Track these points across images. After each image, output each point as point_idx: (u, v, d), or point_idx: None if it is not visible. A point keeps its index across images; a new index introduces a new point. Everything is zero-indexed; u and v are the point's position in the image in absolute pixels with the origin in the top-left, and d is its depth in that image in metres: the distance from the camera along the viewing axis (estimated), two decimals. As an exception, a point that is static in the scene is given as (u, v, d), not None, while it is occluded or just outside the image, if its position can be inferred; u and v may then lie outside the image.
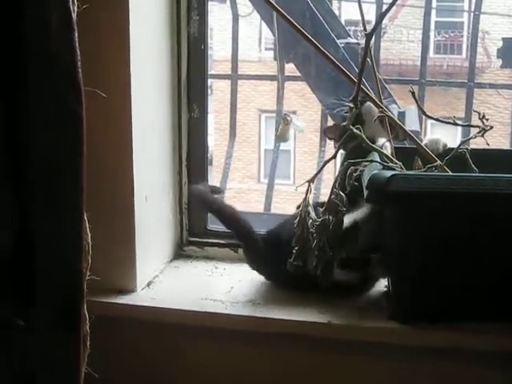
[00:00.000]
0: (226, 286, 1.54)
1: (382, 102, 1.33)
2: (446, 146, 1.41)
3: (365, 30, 1.27)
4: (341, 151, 1.36)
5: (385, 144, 1.37)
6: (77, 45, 0.91)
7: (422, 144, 1.36)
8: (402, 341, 1.34)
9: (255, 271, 1.55)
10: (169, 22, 1.59)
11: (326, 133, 1.56)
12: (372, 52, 1.30)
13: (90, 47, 1.08)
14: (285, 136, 1.53)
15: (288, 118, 1.53)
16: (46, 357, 1.05)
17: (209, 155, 1.77)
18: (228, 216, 1.56)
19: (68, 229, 1.02)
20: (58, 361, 1.07)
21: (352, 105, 1.21)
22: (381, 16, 1.17)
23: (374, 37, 1.27)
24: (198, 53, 1.67)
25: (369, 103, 1.39)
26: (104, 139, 1.40)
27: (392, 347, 1.35)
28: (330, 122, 1.95)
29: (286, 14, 1.31)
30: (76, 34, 0.92)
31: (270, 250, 1.50)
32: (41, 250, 1.02)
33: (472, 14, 2.04)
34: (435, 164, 1.29)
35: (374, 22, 1.34)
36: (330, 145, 1.99)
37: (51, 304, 1.05)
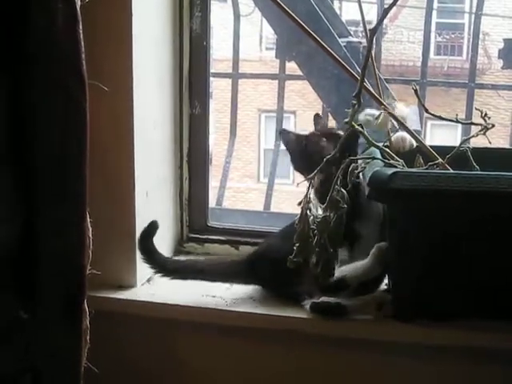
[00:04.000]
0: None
1: (381, 97, 1.33)
2: (412, 145, 1.38)
3: (365, 27, 1.27)
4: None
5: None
6: (81, 37, 0.91)
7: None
8: (403, 339, 1.34)
9: None
10: (171, 18, 1.59)
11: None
12: (373, 50, 1.30)
13: (92, 42, 1.08)
14: (383, 126, 1.38)
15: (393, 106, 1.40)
16: (48, 350, 1.05)
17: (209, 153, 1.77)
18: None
19: (71, 222, 1.02)
20: (60, 354, 1.07)
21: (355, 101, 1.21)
22: (385, 11, 1.17)
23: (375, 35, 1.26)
24: (200, 49, 1.67)
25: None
26: (105, 134, 1.40)
27: (393, 345, 1.35)
28: (331, 121, 1.95)
29: (289, 10, 1.31)
30: (80, 27, 0.92)
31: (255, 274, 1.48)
32: (44, 244, 1.02)
33: (473, 16, 2.04)
34: (437, 162, 1.29)
35: (374, 23, 1.34)
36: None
37: (53, 298, 1.05)
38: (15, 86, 0.93)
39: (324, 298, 1.35)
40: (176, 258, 1.69)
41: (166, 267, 1.48)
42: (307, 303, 1.37)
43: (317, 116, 1.53)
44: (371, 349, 1.39)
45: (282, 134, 1.51)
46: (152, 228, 1.47)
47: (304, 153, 1.43)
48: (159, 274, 1.48)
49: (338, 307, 1.35)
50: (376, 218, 1.38)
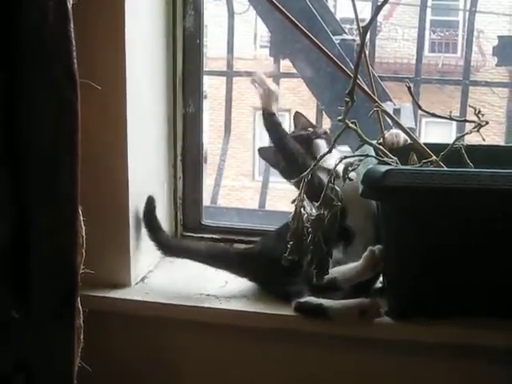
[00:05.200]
0: (221, 281, 1.54)
1: (375, 95, 1.33)
2: (406, 141, 1.38)
3: (358, 24, 1.27)
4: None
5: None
6: (72, 36, 0.91)
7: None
8: (400, 337, 1.34)
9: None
10: (164, 16, 1.59)
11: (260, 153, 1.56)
12: (367, 48, 1.30)
13: (85, 40, 1.08)
14: None
15: None
16: (42, 349, 1.05)
17: (203, 151, 1.77)
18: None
19: (63, 221, 1.02)
20: (53, 353, 1.07)
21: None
22: (377, 9, 1.17)
23: (369, 33, 1.26)
24: (194, 48, 1.66)
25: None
26: (99, 133, 1.40)
27: (390, 343, 1.35)
28: (326, 118, 1.95)
29: (282, 8, 1.31)
30: (72, 25, 0.91)
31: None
32: (37, 243, 1.02)
33: (467, 13, 2.04)
34: (430, 159, 1.29)
35: (368, 20, 1.34)
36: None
37: (47, 297, 1.05)
38: (7, 86, 0.92)
39: (308, 299, 1.35)
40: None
41: (166, 245, 1.55)
42: (294, 303, 1.37)
43: (297, 114, 1.60)
44: (368, 347, 1.39)
45: (260, 151, 1.54)
46: (150, 204, 1.54)
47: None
48: (159, 252, 1.55)
49: (320, 309, 1.34)
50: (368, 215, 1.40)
